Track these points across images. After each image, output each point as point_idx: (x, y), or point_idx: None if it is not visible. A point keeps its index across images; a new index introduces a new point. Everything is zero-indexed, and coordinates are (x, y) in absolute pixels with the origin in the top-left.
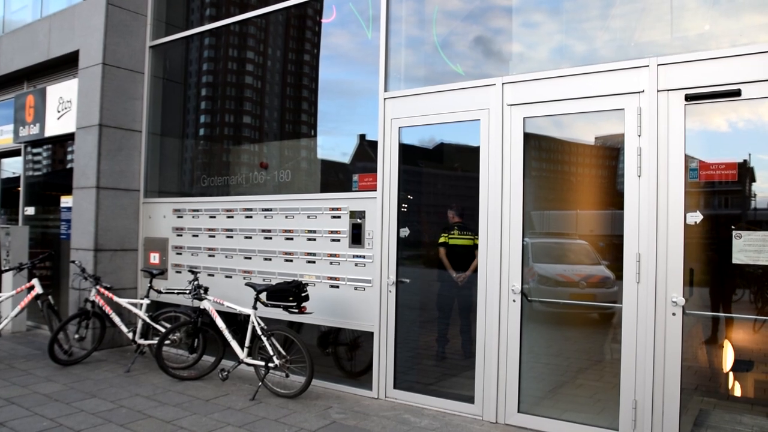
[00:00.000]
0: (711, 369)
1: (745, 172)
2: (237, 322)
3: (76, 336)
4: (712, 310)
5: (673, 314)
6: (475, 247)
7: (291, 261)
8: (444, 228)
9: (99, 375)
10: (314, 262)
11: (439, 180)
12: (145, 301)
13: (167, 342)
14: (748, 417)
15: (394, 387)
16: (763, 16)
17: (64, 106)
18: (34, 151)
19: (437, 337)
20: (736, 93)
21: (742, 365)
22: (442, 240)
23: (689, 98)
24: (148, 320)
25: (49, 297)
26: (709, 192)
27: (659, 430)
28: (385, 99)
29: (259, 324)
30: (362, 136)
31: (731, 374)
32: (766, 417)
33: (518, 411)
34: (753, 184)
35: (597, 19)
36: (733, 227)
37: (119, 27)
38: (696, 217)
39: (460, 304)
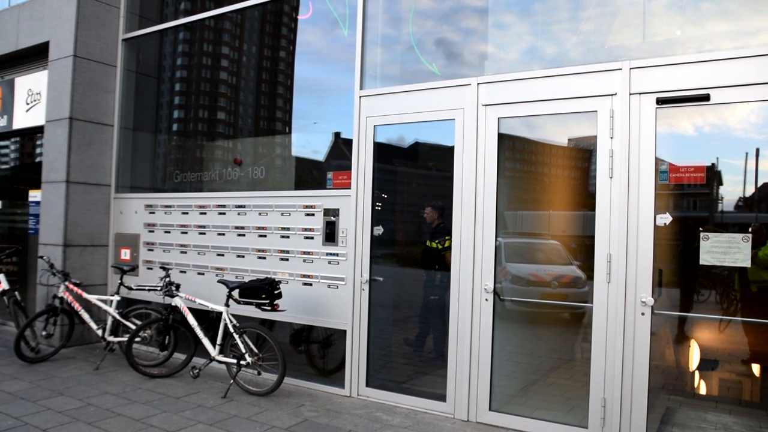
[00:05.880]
0: (678, 368)
1: (712, 175)
2: (209, 320)
3: (44, 333)
4: (680, 311)
5: (642, 314)
6: None
7: (264, 258)
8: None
9: (67, 373)
10: (288, 259)
11: (414, 179)
12: (116, 298)
13: (137, 339)
14: (712, 414)
15: (367, 385)
16: (726, 23)
17: (33, 99)
18: (2, 143)
19: (417, 334)
20: (706, 98)
21: (707, 364)
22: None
23: (660, 102)
24: (118, 317)
25: (16, 293)
26: (678, 194)
27: (627, 427)
28: (360, 97)
29: (231, 321)
30: (337, 134)
31: (697, 373)
32: (730, 414)
33: (490, 409)
34: (720, 187)
35: (569, 22)
36: (700, 229)
37: (91, 19)
38: (665, 218)
39: (434, 303)
